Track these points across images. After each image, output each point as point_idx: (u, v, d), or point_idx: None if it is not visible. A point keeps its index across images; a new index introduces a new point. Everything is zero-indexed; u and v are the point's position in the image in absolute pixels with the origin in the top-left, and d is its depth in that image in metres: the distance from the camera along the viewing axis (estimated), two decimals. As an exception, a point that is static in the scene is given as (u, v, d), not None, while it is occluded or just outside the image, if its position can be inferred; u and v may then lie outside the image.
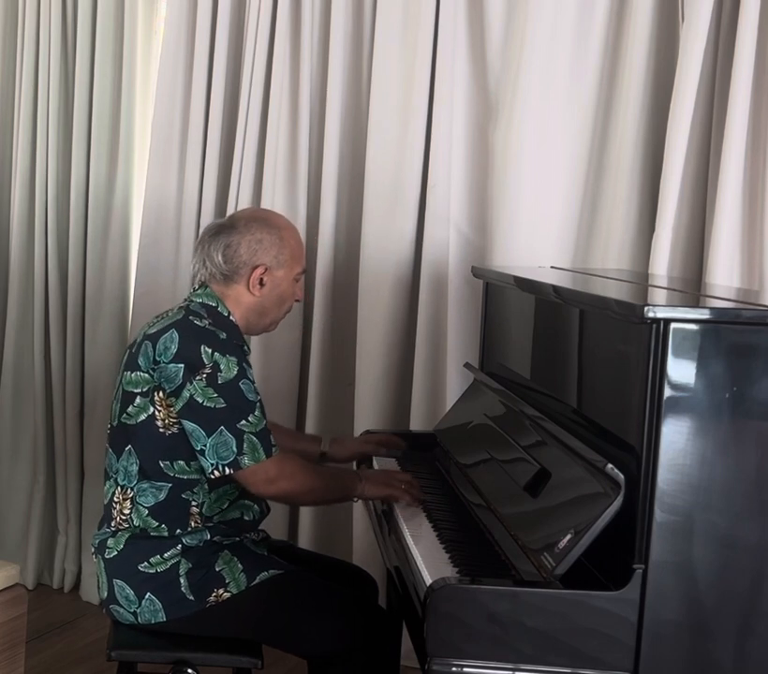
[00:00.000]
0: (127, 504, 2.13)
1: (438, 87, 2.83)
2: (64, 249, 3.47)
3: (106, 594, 2.15)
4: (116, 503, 2.15)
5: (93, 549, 2.21)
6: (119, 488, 2.15)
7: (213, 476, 2.04)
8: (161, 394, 2.07)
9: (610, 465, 1.64)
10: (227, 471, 2.03)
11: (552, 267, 2.62)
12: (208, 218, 3.18)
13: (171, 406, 2.06)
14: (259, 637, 2.14)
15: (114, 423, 2.17)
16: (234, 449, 2.02)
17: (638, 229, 2.70)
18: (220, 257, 2.17)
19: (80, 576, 3.56)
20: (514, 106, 2.74)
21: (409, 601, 1.89)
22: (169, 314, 2.17)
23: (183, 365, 2.03)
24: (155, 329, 2.11)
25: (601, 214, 2.77)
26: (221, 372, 2.03)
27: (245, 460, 2.03)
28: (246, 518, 2.20)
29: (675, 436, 1.58)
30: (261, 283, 2.18)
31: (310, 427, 3.09)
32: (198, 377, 2.03)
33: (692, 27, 2.50)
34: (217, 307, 2.17)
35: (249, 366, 2.13)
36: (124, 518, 2.13)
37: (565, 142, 2.74)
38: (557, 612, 1.59)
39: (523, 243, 2.78)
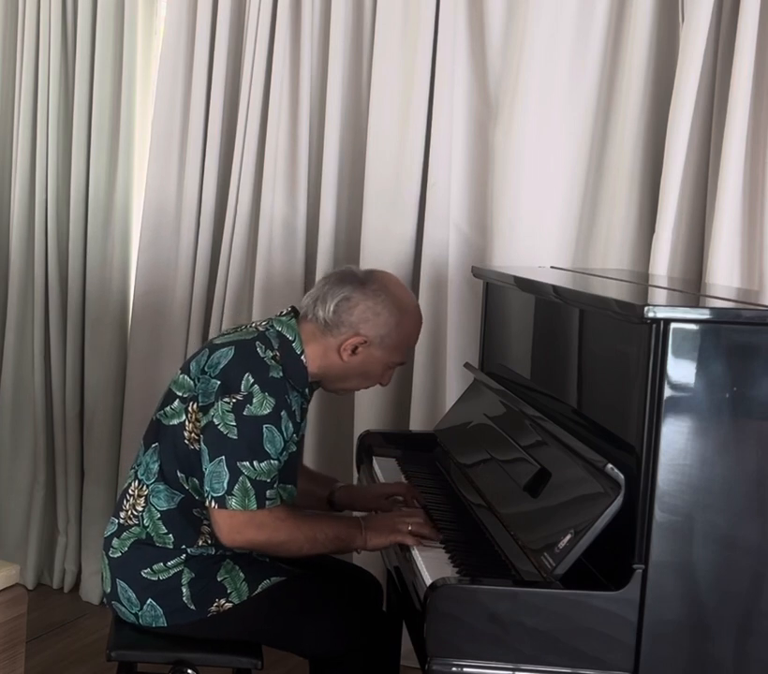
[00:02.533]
0: (141, 501, 2.11)
1: (438, 87, 2.83)
2: (64, 249, 3.46)
3: (109, 590, 2.15)
4: (130, 496, 2.14)
5: (102, 542, 2.20)
6: (137, 481, 2.13)
7: (206, 504, 1.99)
8: (195, 406, 2.04)
9: (610, 465, 1.64)
10: (213, 505, 1.96)
11: (552, 267, 2.62)
12: (208, 218, 3.19)
13: (199, 421, 2.03)
14: (261, 640, 2.14)
15: (153, 417, 2.15)
16: (225, 486, 1.95)
17: (638, 230, 2.69)
18: (332, 306, 2.06)
19: (80, 576, 3.56)
20: (514, 106, 2.74)
21: (409, 601, 1.89)
22: (244, 329, 2.12)
23: (220, 382, 1.99)
24: (221, 341, 2.08)
25: (601, 214, 2.77)
26: (251, 404, 1.96)
27: (233, 502, 1.94)
28: (257, 556, 2.16)
29: (675, 436, 1.58)
30: (354, 351, 2.07)
31: (310, 426, 3.06)
32: (226, 399, 1.97)
33: (692, 27, 2.49)
34: (293, 342, 2.07)
35: (291, 418, 2.02)
36: (135, 514, 2.12)
37: (565, 142, 2.74)
38: (557, 612, 1.59)
39: (523, 243, 2.78)
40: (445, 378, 2.89)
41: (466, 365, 2.62)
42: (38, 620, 3.23)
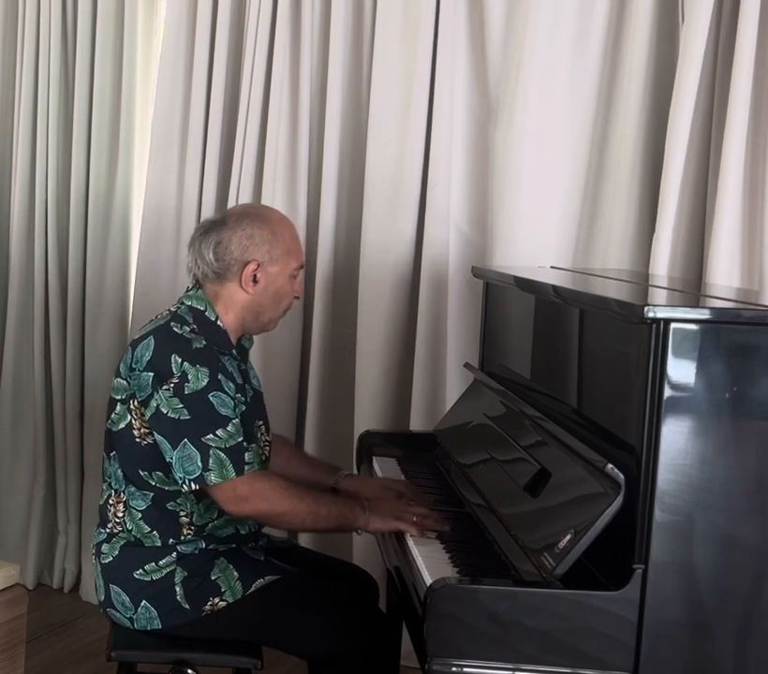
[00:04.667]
0: (121, 507, 2.13)
1: (438, 87, 2.83)
2: (64, 249, 3.46)
3: (103, 597, 2.15)
4: (111, 505, 2.15)
5: (92, 550, 2.21)
6: (113, 491, 2.15)
7: (184, 490, 2.01)
8: (135, 403, 2.05)
9: (610, 465, 1.64)
10: (194, 486, 1.98)
11: (552, 267, 2.62)
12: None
13: (144, 415, 2.04)
14: (258, 640, 2.14)
15: (105, 428, 2.17)
16: (199, 464, 1.96)
17: (638, 229, 2.69)
18: (211, 255, 2.11)
19: (80, 576, 3.56)
20: (514, 106, 2.74)
21: (409, 601, 1.89)
22: (158, 317, 2.15)
23: (153, 374, 2.01)
24: (139, 335, 2.10)
25: (601, 214, 2.77)
26: (188, 382, 1.98)
27: (211, 476, 1.96)
28: (242, 532, 2.17)
29: (675, 436, 1.58)
30: (255, 280, 2.11)
31: (310, 426, 3.09)
32: (164, 387, 1.99)
33: (692, 27, 2.49)
34: (205, 311, 2.11)
35: (229, 379, 2.06)
36: (118, 520, 2.13)
37: (565, 142, 2.74)
38: (557, 612, 1.59)
39: (523, 243, 2.78)
40: (445, 378, 2.89)
41: (466, 365, 2.62)
42: (38, 620, 3.23)
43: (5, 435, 3.61)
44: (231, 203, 3.12)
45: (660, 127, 2.62)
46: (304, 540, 3.10)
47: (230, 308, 2.14)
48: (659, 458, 1.57)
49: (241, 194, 3.10)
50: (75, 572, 3.57)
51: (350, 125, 3.03)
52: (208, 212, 3.18)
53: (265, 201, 3.06)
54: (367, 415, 2.98)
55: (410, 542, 1.96)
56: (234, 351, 2.16)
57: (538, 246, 2.77)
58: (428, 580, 1.71)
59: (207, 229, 2.15)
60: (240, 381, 2.14)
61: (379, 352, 2.97)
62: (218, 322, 2.12)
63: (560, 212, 2.77)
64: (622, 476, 1.61)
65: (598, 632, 1.60)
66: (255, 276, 2.12)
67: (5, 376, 3.59)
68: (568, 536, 1.61)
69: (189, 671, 2.09)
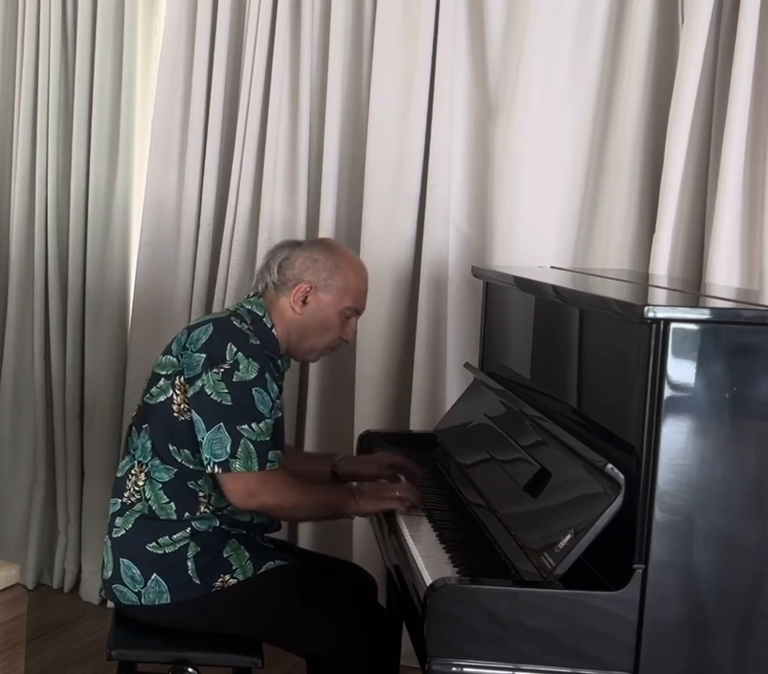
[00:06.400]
0: (143, 476, 2.16)
1: (438, 87, 2.84)
2: (64, 249, 3.46)
3: (110, 574, 2.16)
4: (132, 475, 2.18)
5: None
6: (136, 463, 2.18)
7: (207, 471, 2.07)
8: (181, 379, 2.11)
9: (610, 465, 1.64)
10: (217, 469, 2.05)
11: (552, 267, 2.62)
12: (208, 218, 3.19)
13: (186, 393, 2.10)
14: (260, 631, 2.15)
15: (140, 403, 2.22)
16: (228, 450, 2.04)
17: (638, 229, 2.70)
18: (276, 268, 2.22)
19: (80, 576, 3.56)
20: (514, 106, 2.74)
21: (409, 601, 1.89)
22: (215, 313, 2.24)
23: (205, 355, 2.08)
24: (197, 322, 2.19)
25: (601, 214, 2.77)
26: (239, 370, 2.06)
27: (237, 464, 2.04)
28: (256, 520, 2.20)
29: (675, 436, 1.58)
30: (305, 301, 2.19)
31: (310, 426, 3.09)
32: (214, 370, 2.06)
33: (692, 27, 2.50)
34: (263, 317, 2.19)
35: (273, 380, 2.14)
36: (137, 489, 2.16)
37: (565, 142, 2.75)
38: (557, 612, 1.59)
39: (522, 243, 2.78)
40: (445, 378, 2.89)
41: (466, 365, 2.62)
42: (38, 620, 3.23)
43: (5, 435, 3.61)
44: (231, 203, 3.13)
45: (660, 127, 2.62)
46: (304, 539, 3.11)
47: (280, 322, 2.21)
48: (659, 458, 1.57)
49: (241, 194, 3.10)
50: (75, 572, 3.57)
51: (350, 125, 3.03)
52: (208, 211, 3.19)
53: (265, 200, 3.07)
54: (367, 415, 2.98)
55: (410, 542, 1.96)
56: (280, 361, 2.21)
57: (538, 246, 2.77)
58: (428, 580, 1.71)
59: (283, 246, 2.28)
60: (278, 390, 2.20)
61: (379, 352, 2.97)
62: (273, 330, 2.19)
63: (560, 211, 2.78)
64: (622, 476, 1.61)
65: (598, 632, 1.60)
66: (306, 298, 2.19)
67: (4, 376, 3.59)
68: (568, 536, 1.61)
69: (190, 670, 2.09)
